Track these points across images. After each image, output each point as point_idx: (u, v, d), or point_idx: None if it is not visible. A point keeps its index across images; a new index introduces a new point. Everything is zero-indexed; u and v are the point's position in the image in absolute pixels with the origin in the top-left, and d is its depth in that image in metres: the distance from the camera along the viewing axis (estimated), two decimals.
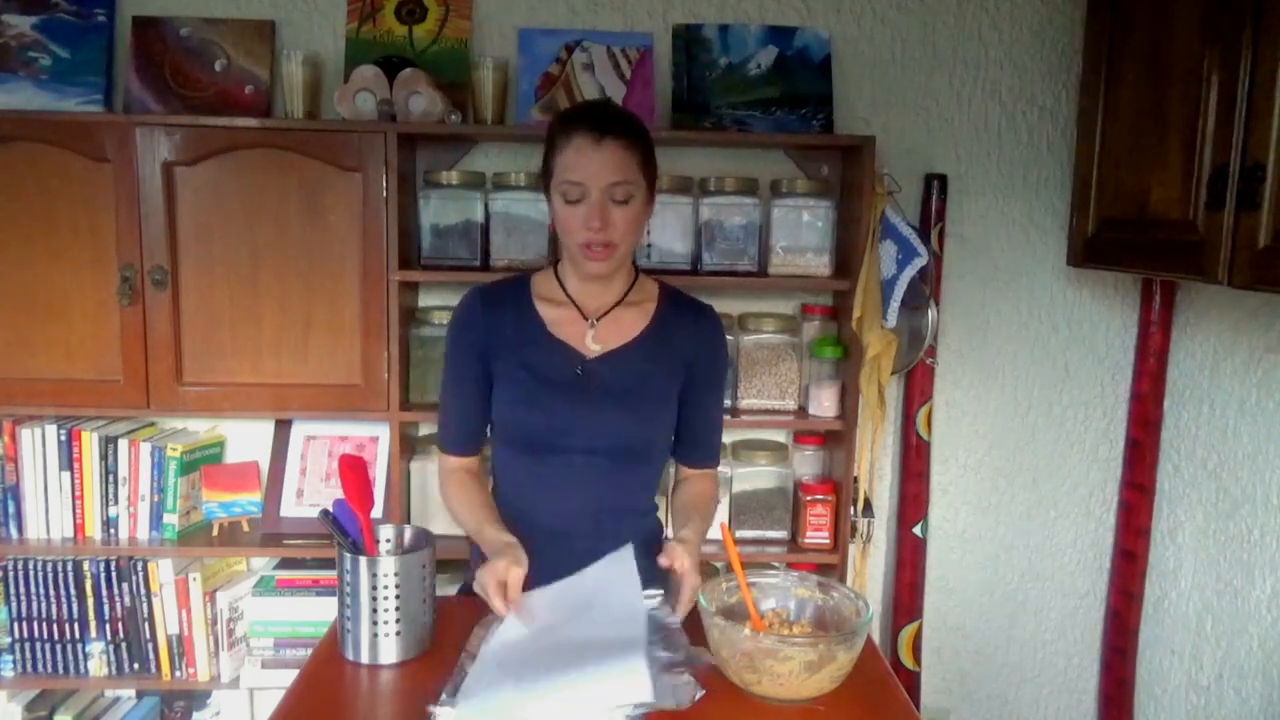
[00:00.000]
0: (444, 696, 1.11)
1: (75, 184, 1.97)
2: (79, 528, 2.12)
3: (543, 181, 1.47)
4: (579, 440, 1.45)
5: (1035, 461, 2.40)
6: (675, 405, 1.53)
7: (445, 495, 1.56)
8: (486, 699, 1.10)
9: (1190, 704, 2.14)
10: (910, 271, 2.08)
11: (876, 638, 2.35)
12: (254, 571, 2.27)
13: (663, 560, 1.32)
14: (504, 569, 1.26)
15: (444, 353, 1.54)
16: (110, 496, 2.12)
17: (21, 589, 2.11)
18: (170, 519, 2.12)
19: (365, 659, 1.23)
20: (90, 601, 2.12)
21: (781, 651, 1.12)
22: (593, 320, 1.49)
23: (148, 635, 2.14)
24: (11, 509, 2.11)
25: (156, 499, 2.12)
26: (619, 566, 1.34)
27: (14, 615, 2.12)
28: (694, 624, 1.27)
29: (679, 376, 1.52)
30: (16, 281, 2.00)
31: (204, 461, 2.19)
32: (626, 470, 1.49)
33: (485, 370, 1.49)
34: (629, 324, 1.50)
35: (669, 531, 1.57)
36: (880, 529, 2.39)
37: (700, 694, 1.13)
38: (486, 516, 1.44)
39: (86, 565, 2.11)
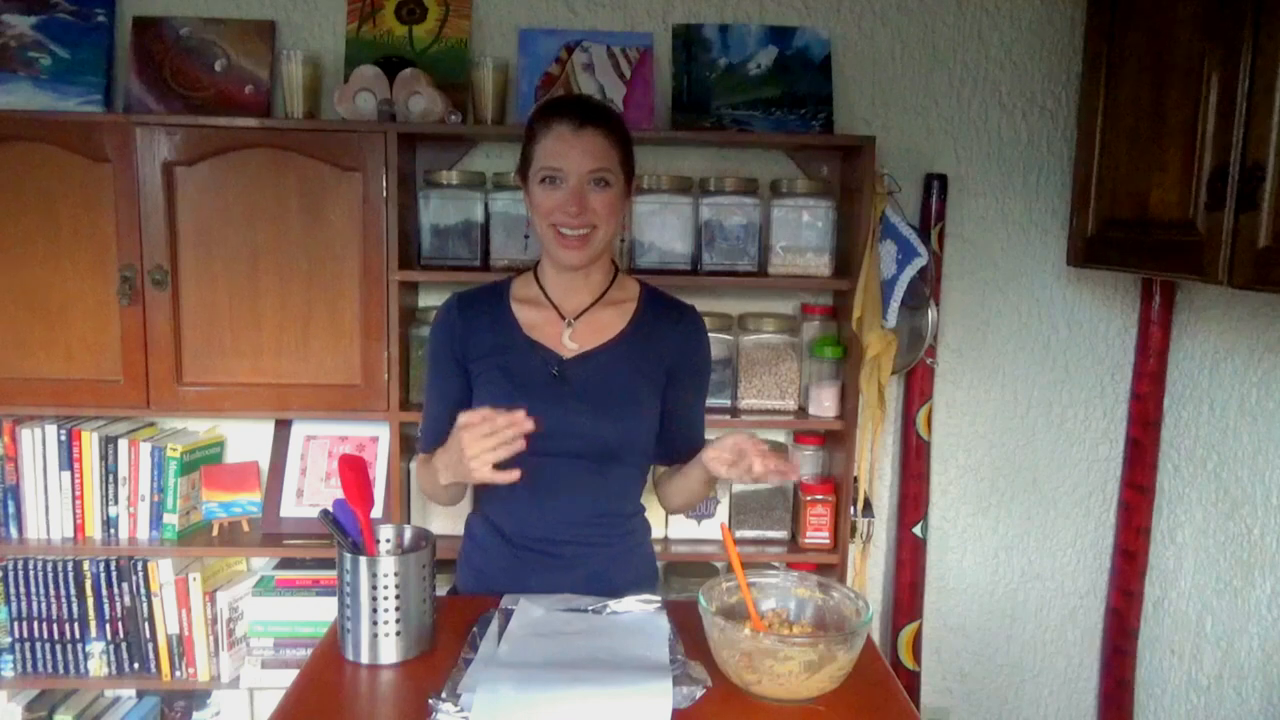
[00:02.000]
0: (445, 694, 1.12)
1: (75, 184, 1.97)
2: (79, 528, 2.12)
3: (520, 174, 1.47)
4: (559, 443, 1.42)
5: (1035, 461, 2.40)
6: (657, 406, 1.51)
7: (419, 482, 1.56)
8: (491, 695, 1.10)
9: (1190, 704, 2.14)
10: (910, 271, 2.08)
11: (876, 638, 2.35)
12: (254, 571, 2.27)
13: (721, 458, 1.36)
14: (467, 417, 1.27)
15: (426, 359, 1.53)
16: (110, 496, 2.12)
17: (21, 589, 2.11)
18: (170, 519, 2.12)
19: (365, 659, 1.23)
20: (90, 601, 2.12)
21: (781, 651, 1.12)
22: (570, 320, 1.48)
23: (148, 635, 2.14)
24: (11, 509, 2.11)
25: (156, 499, 2.12)
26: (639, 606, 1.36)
27: (14, 615, 2.12)
28: (688, 630, 1.27)
29: (660, 378, 1.50)
30: (16, 281, 2.00)
31: (204, 461, 2.19)
32: (609, 472, 1.47)
33: (464, 375, 1.49)
34: (607, 324, 1.49)
35: (664, 530, 1.55)
36: (880, 529, 2.39)
37: (700, 693, 1.14)
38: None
39: (86, 565, 2.12)
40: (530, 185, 1.43)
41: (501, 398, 1.42)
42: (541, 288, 1.51)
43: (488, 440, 1.26)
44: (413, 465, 2.16)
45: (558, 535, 1.47)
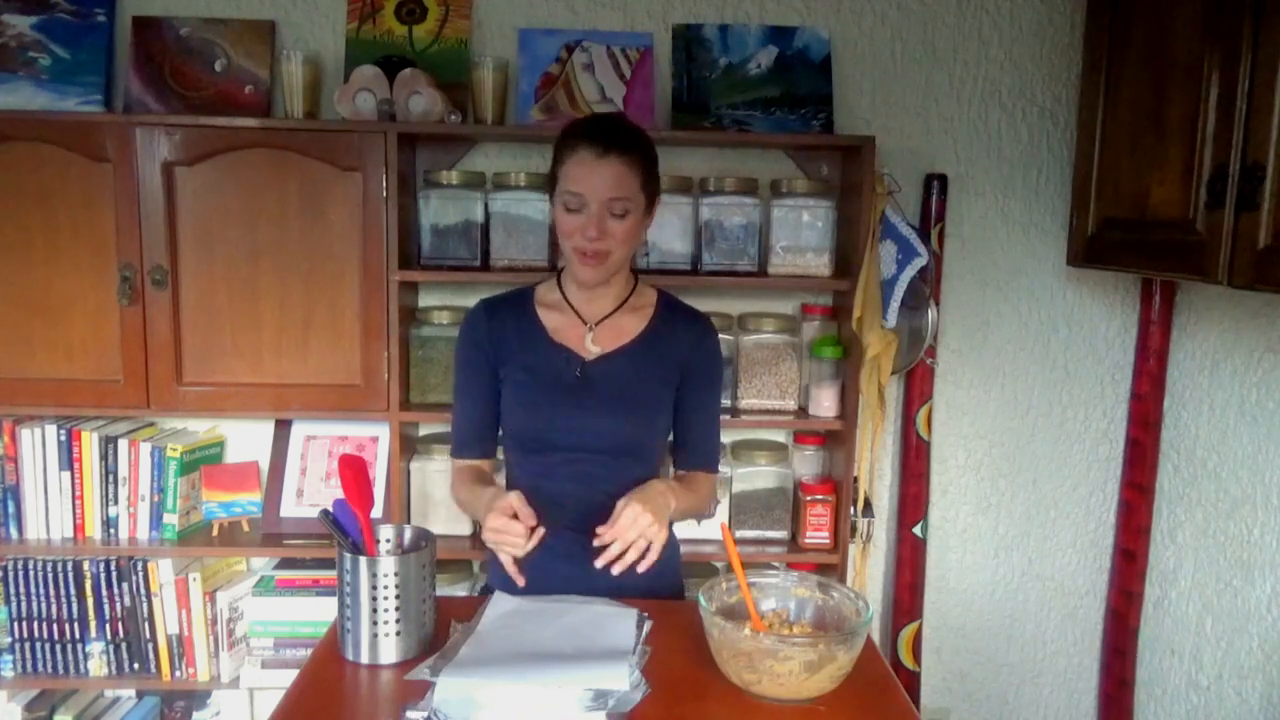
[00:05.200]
0: (421, 704, 1.13)
1: (75, 184, 1.97)
2: (79, 528, 2.12)
3: (549, 187, 1.52)
4: (578, 439, 1.48)
5: (1035, 461, 2.40)
6: (671, 406, 1.56)
7: (452, 490, 1.61)
8: (454, 681, 1.14)
9: (1190, 704, 2.14)
10: (910, 271, 2.08)
11: (876, 638, 2.35)
12: (254, 571, 2.27)
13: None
14: (504, 504, 1.33)
15: (454, 365, 1.59)
16: (110, 496, 2.12)
17: (21, 589, 2.11)
18: (170, 519, 2.12)
19: (365, 659, 1.23)
20: (90, 601, 2.12)
21: (781, 651, 1.12)
22: (591, 325, 1.54)
23: (148, 635, 2.14)
24: (11, 509, 2.11)
25: (156, 499, 2.12)
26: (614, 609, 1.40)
27: (14, 615, 2.12)
28: (677, 631, 1.27)
29: (674, 378, 1.55)
30: (16, 281, 2.00)
31: (204, 461, 2.19)
32: (624, 468, 1.51)
33: (493, 378, 1.54)
34: (627, 328, 1.55)
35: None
36: (880, 529, 2.38)
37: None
38: (482, 489, 1.49)
39: (86, 565, 2.11)
40: (555, 202, 1.48)
41: (526, 397, 1.50)
42: (564, 294, 1.57)
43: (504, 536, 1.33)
44: (413, 465, 2.16)
45: (573, 526, 1.50)
